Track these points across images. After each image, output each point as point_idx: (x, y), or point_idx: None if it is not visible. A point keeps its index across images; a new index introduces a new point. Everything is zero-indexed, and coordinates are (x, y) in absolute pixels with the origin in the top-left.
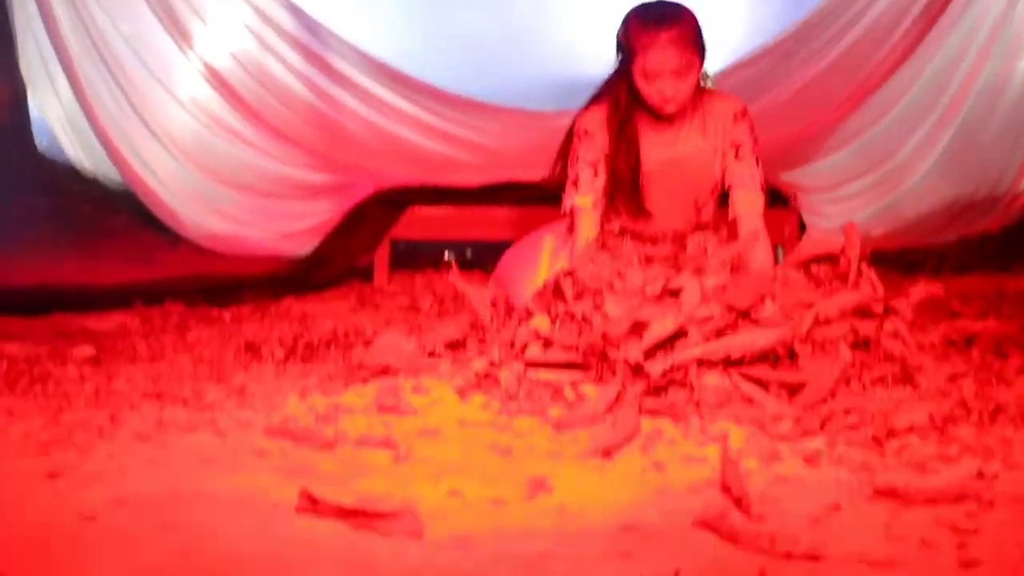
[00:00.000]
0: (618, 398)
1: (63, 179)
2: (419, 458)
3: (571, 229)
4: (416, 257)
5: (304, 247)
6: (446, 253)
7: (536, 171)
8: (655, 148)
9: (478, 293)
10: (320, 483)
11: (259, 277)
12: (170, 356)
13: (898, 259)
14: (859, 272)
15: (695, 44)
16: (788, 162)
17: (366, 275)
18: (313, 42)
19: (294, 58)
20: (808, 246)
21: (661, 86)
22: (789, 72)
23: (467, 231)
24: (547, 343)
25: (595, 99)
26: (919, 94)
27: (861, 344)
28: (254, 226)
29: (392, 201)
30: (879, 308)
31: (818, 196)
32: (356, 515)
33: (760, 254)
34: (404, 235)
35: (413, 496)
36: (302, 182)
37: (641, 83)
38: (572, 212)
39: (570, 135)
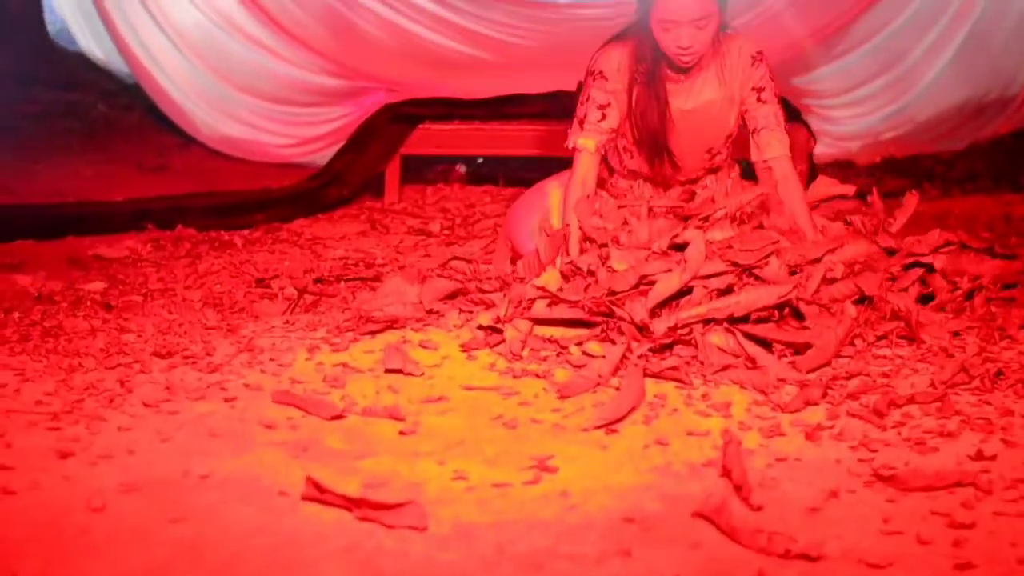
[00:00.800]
0: (623, 359)
1: (75, 68)
2: (425, 431)
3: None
4: (428, 169)
5: (319, 154)
6: (458, 165)
7: (548, 73)
8: (673, 99)
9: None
10: (327, 463)
11: (271, 197)
12: (181, 292)
13: (908, 167)
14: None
15: None
16: (799, 67)
17: (377, 190)
18: None
19: None
20: (821, 186)
21: (678, 36)
22: None
23: (477, 147)
24: (553, 300)
25: (614, 40)
26: None
27: (866, 300)
28: (268, 131)
29: (403, 117)
30: (884, 263)
31: (829, 101)
32: (361, 505)
33: (793, 195)
34: (415, 151)
35: (418, 478)
36: (316, 87)
37: (658, 32)
38: (574, 150)
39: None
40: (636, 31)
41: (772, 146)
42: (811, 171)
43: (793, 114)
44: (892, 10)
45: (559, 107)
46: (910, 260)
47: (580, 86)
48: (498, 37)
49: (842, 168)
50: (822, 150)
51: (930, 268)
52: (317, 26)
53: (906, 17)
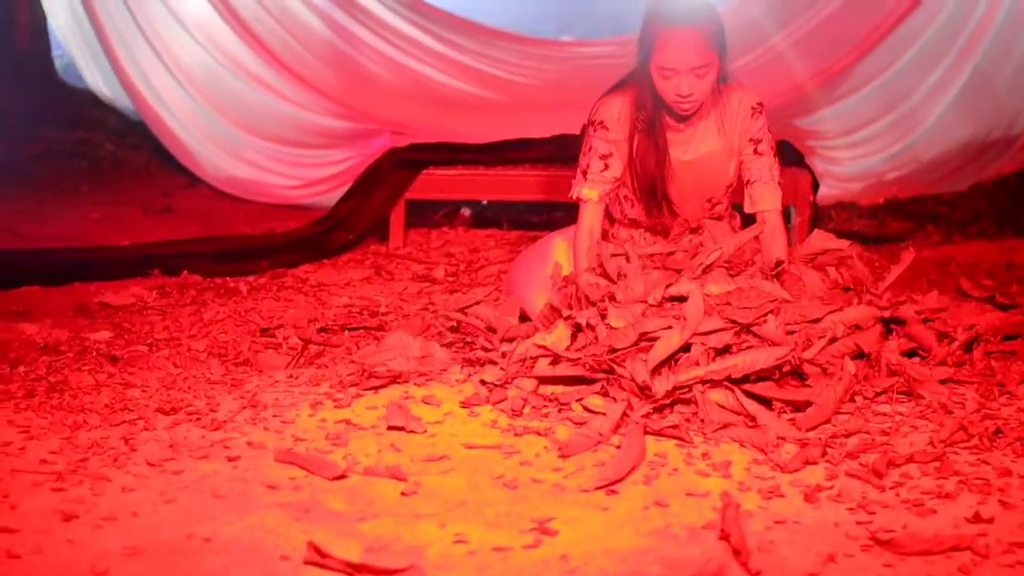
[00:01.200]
0: (623, 417)
1: (82, 106)
2: (426, 491)
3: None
4: (432, 213)
5: (324, 196)
6: (462, 209)
7: (552, 115)
8: (673, 148)
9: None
10: (328, 525)
11: (276, 243)
12: (186, 342)
13: (911, 209)
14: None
15: (715, 43)
16: (802, 109)
17: (382, 234)
18: None
19: None
20: (816, 241)
21: (677, 84)
22: (804, 8)
23: (481, 192)
24: (556, 359)
25: (615, 90)
26: (935, 35)
27: (865, 356)
28: (274, 172)
29: (407, 162)
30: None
31: (832, 142)
32: (362, 571)
33: (776, 249)
34: (419, 196)
35: (419, 541)
36: (321, 129)
37: (658, 80)
38: (578, 201)
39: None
40: (636, 78)
41: (764, 199)
42: (814, 215)
43: (797, 158)
44: (895, 51)
45: (563, 151)
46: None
47: (584, 130)
48: (503, 76)
49: (844, 209)
50: (825, 191)
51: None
52: (323, 67)
53: (909, 58)
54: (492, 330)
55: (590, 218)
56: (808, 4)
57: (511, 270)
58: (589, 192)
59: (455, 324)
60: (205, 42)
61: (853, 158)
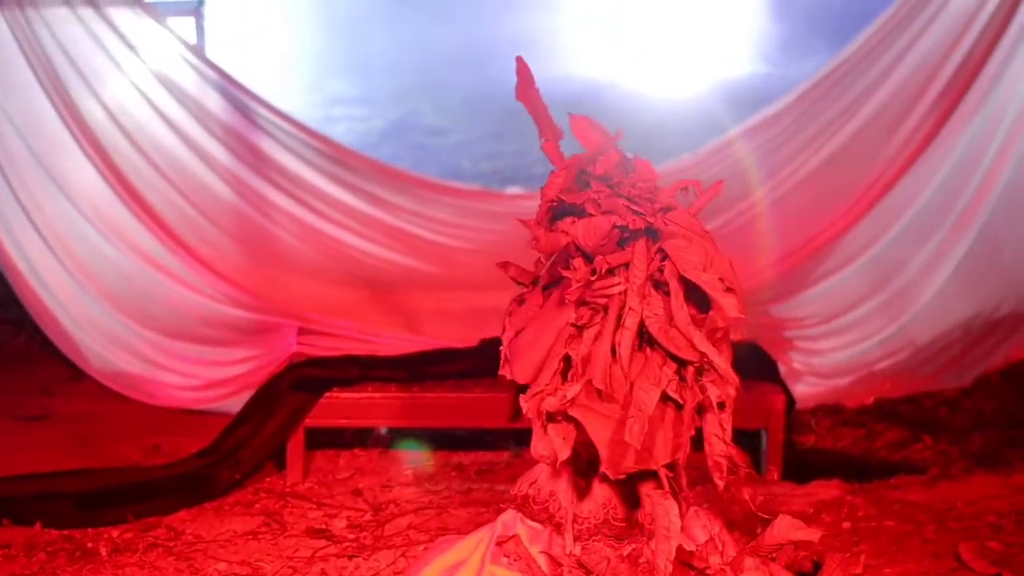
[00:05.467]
0: None
1: None
2: None
3: None
4: (342, 431)
5: (226, 402)
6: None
7: (488, 295)
8: None
9: None
10: None
11: (150, 480)
12: None
13: (905, 412)
14: None
15: None
16: (780, 292)
17: (281, 460)
18: (239, 121)
19: (216, 149)
20: (782, 529)
21: None
22: (783, 164)
23: (393, 418)
24: None
25: None
26: (931, 198)
27: None
28: (168, 369)
29: (308, 382)
30: None
31: (814, 330)
32: None
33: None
34: (320, 423)
35: None
36: (222, 319)
37: None
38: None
39: None
40: None
41: None
42: (788, 439)
43: (769, 371)
44: (885, 219)
45: (491, 363)
46: None
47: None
48: (435, 239)
49: (828, 414)
50: (806, 390)
51: None
52: (225, 242)
53: (902, 225)
54: None
55: None
56: (785, 161)
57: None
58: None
59: None
60: (91, 214)
61: (838, 347)
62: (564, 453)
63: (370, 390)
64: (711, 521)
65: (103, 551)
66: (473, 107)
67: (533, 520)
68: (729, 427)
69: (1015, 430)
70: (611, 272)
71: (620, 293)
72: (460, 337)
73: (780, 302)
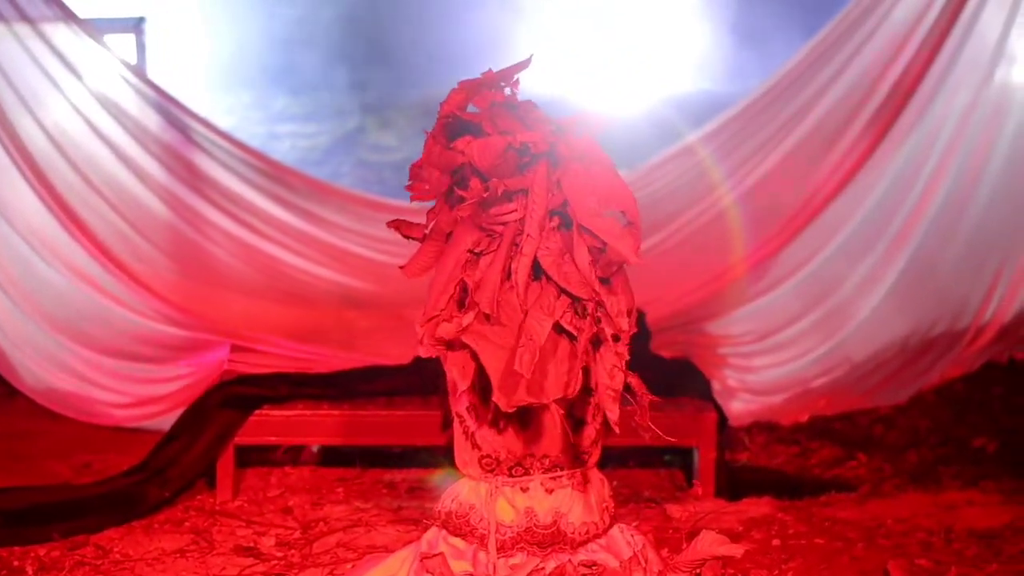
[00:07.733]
0: None
1: None
2: None
3: None
4: (273, 449)
5: (157, 419)
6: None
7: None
8: None
9: None
10: None
11: (78, 497)
12: None
13: (840, 429)
14: None
15: None
16: (715, 309)
17: (212, 478)
18: (176, 139)
19: (153, 167)
20: (705, 545)
21: None
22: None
23: (324, 436)
24: None
25: None
26: (868, 215)
27: None
28: (100, 386)
29: (237, 399)
30: None
31: (749, 347)
32: None
33: None
34: (250, 441)
35: None
36: (153, 336)
37: None
38: None
39: None
40: None
41: None
42: (720, 457)
43: (702, 389)
44: (822, 236)
45: (424, 382)
46: None
47: None
48: (371, 256)
49: (762, 431)
50: (740, 408)
51: None
52: (158, 259)
53: (837, 243)
54: None
55: None
56: (722, 178)
57: None
58: None
59: None
60: (25, 231)
61: (774, 364)
62: (463, 383)
63: (301, 407)
64: (635, 537)
65: (29, 569)
66: (417, 124)
67: (456, 535)
68: (625, 357)
69: (948, 448)
70: (508, 197)
71: (518, 220)
72: (394, 355)
73: (715, 319)
